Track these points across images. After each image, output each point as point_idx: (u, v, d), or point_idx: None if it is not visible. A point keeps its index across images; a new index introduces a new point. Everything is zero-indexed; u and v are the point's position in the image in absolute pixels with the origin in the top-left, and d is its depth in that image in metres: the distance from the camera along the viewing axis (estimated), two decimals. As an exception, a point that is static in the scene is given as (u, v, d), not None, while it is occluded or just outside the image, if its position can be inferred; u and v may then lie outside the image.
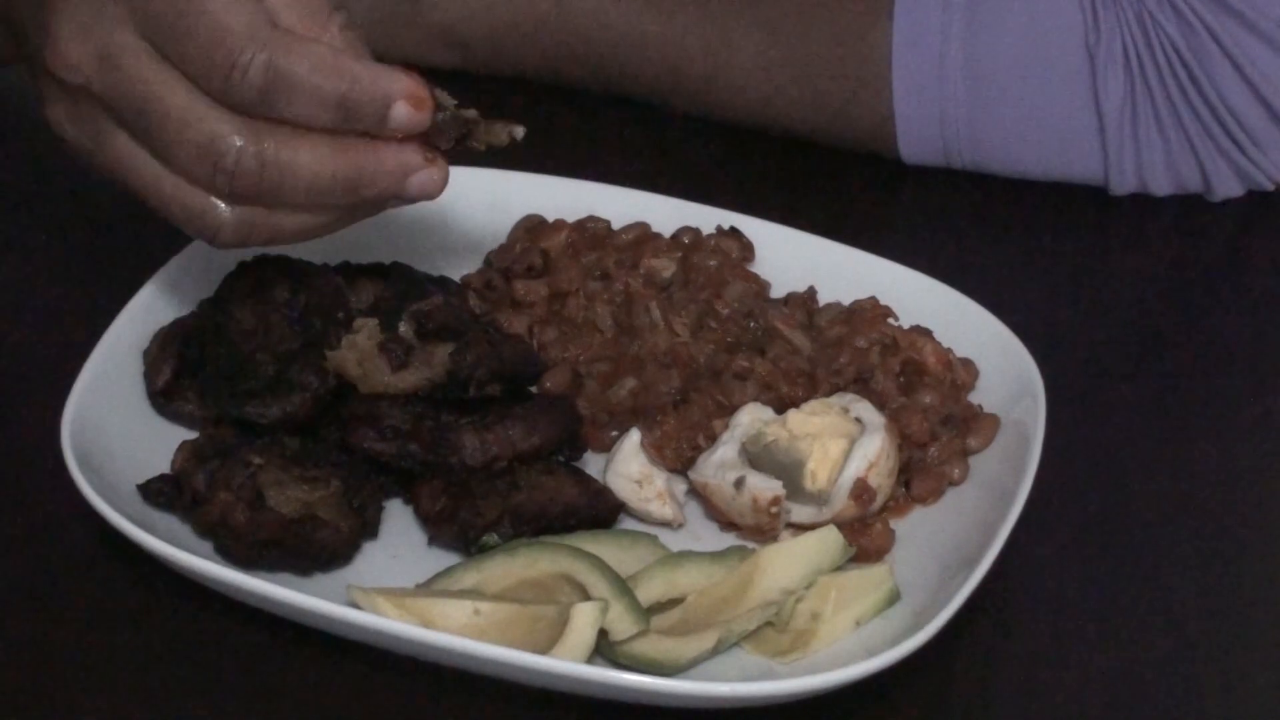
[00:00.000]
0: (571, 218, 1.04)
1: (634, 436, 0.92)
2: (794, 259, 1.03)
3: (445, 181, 0.88)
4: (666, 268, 1.02)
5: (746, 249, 1.04)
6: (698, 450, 0.93)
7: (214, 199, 0.87)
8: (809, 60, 1.17)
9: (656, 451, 0.93)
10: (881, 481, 0.91)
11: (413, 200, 0.89)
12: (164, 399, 0.92)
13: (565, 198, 1.06)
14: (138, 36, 0.86)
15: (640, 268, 1.01)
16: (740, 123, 1.20)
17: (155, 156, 0.87)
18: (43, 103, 0.89)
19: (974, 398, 0.97)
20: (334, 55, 0.85)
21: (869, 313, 0.99)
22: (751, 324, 0.99)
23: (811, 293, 1.01)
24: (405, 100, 0.86)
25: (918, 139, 1.16)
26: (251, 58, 0.84)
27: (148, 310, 0.95)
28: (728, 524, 0.92)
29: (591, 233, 1.04)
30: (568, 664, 0.81)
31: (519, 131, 0.89)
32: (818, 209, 1.13)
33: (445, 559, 0.88)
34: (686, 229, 1.04)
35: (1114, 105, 1.13)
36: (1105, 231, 1.16)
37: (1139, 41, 1.12)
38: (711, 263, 1.02)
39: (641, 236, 1.04)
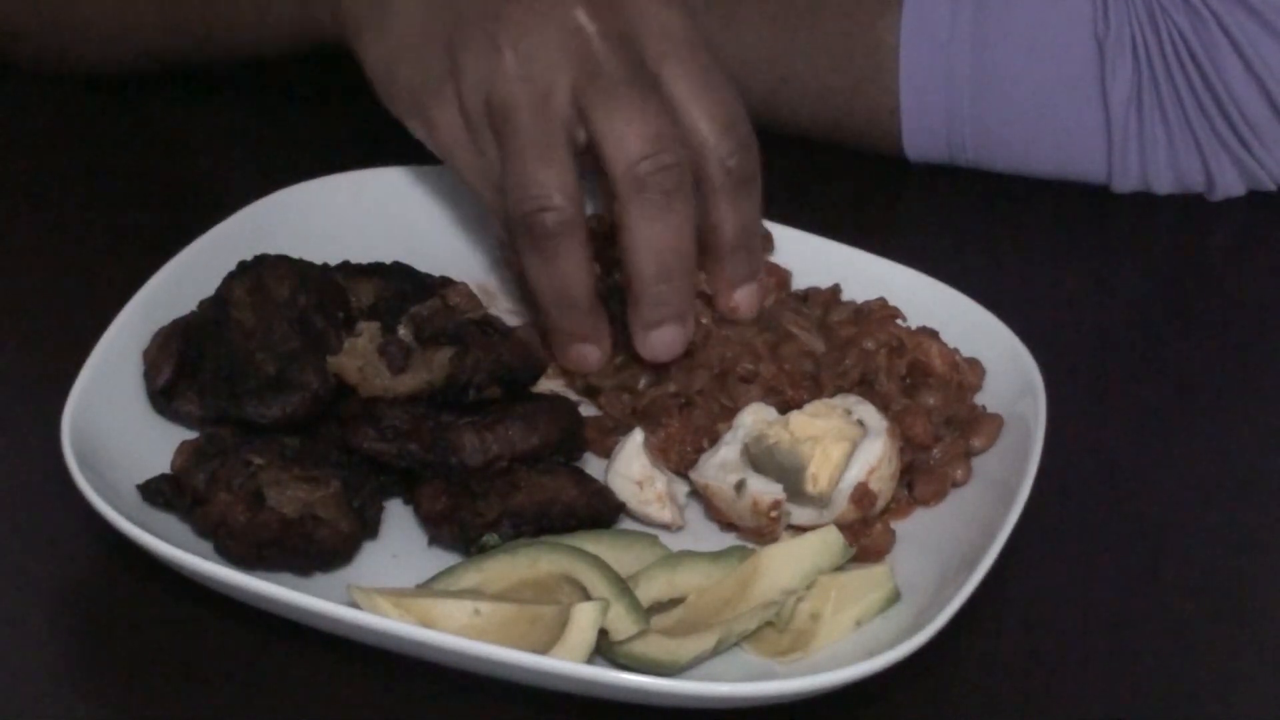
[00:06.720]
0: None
1: (636, 437, 0.92)
2: (797, 259, 1.03)
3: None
4: None
5: (765, 239, 1.02)
6: (701, 451, 0.93)
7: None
8: (816, 51, 1.16)
9: (660, 453, 0.93)
10: (882, 486, 0.91)
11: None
12: (164, 399, 0.92)
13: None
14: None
15: None
16: None
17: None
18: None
19: (976, 398, 0.97)
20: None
21: (878, 314, 0.98)
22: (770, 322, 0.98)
23: (835, 290, 1.01)
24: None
25: (922, 133, 1.16)
26: (673, 159, 0.91)
27: (148, 310, 0.94)
28: (728, 525, 0.92)
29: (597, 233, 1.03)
30: (568, 664, 0.81)
31: None
32: (819, 209, 1.13)
33: (445, 559, 0.88)
34: None
35: (1120, 97, 1.12)
36: (1106, 232, 1.16)
37: (1147, 32, 1.12)
38: None
39: None
